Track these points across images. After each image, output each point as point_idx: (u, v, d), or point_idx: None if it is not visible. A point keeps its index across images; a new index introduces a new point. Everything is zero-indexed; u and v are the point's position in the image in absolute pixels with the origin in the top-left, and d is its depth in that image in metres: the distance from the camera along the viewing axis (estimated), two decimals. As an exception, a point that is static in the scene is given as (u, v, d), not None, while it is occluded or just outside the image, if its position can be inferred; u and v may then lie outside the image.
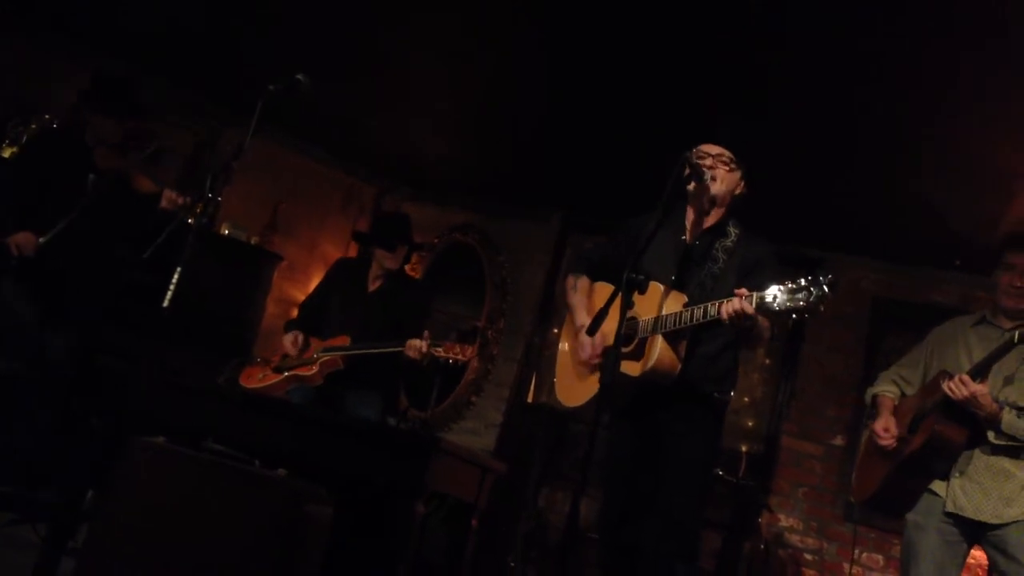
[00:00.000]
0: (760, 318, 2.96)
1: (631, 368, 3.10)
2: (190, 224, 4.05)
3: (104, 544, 2.36)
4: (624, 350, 3.11)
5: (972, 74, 3.77)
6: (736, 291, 2.86)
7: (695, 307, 2.99)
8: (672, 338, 3.06)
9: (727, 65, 4.21)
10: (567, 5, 4.06)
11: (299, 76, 3.68)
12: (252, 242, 6.31)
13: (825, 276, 2.67)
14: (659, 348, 3.04)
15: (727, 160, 3.23)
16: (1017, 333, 3.01)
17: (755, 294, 2.80)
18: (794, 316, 2.74)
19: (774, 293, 2.75)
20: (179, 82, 6.01)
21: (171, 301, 3.55)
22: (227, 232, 6.13)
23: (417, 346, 4.15)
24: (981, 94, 3.89)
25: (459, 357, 4.14)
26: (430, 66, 5.07)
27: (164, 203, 4.21)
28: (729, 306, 2.85)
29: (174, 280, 3.51)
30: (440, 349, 4.13)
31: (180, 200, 4.20)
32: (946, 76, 3.84)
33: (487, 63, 4.84)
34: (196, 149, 6.19)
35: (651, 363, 3.04)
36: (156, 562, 2.22)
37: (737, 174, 3.27)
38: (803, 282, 2.69)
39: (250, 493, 2.19)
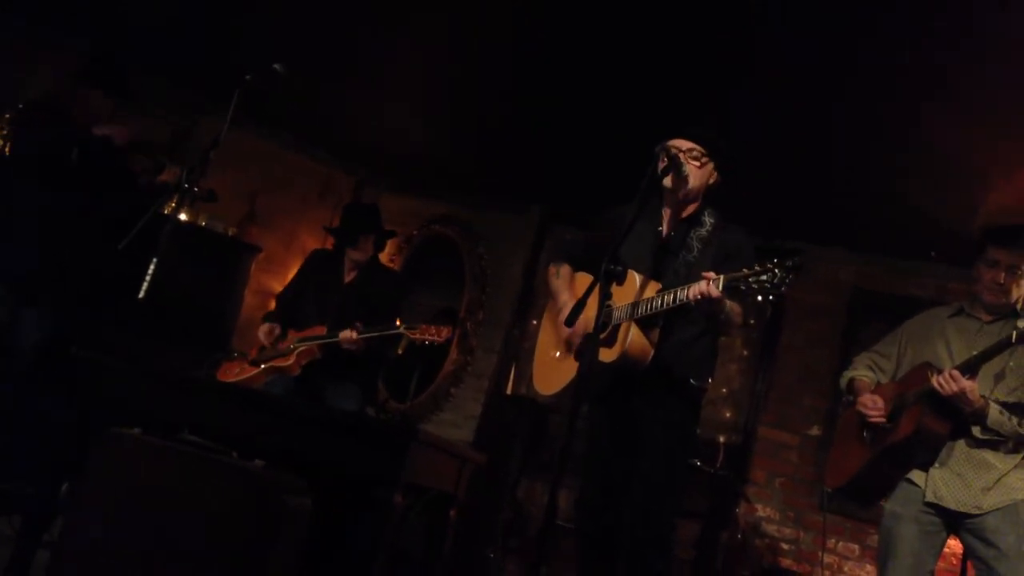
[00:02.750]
0: (730, 303, 2.99)
1: (605, 355, 3.12)
2: (166, 215, 4.04)
3: (79, 536, 2.34)
4: (601, 336, 3.13)
5: (947, 70, 3.80)
6: (703, 274, 2.89)
7: (665, 293, 3.01)
8: (644, 324, 3.09)
9: (706, 58, 4.22)
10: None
11: (276, 66, 3.66)
12: (230, 233, 6.27)
13: (792, 259, 2.70)
14: (631, 334, 3.07)
15: (697, 155, 3.26)
16: (1015, 333, 3.02)
17: (721, 276, 2.83)
18: (759, 298, 2.76)
19: (739, 275, 2.78)
20: (155, 70, 5.95)
21: (147, 293, 3.54)
22: (204, 224, 6.09)
23: (347, 337, 4.17)
24: (957, 89, 3.92)
25: (435, 338, 4.13)
26: (406, 55, 5.05)
27: (165, 176, 4.18)
28: (695, 288, 2.88)
29: (150, 272, 3.50)
30: (416, 332, 4.13)
31: (178, 171, 4.18)
32: (923, 72, 3.87)
33: (464, 52, 4.82)
34: (173, 139, 6.13)
35: (622, 349, 3.06)
36: (132, 554, 2.21)
37: (709, 167, 3.30)
38: (769, 264, 2.72)
39: (227, 484, 2.17)
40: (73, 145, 4.30)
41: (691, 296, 2.89)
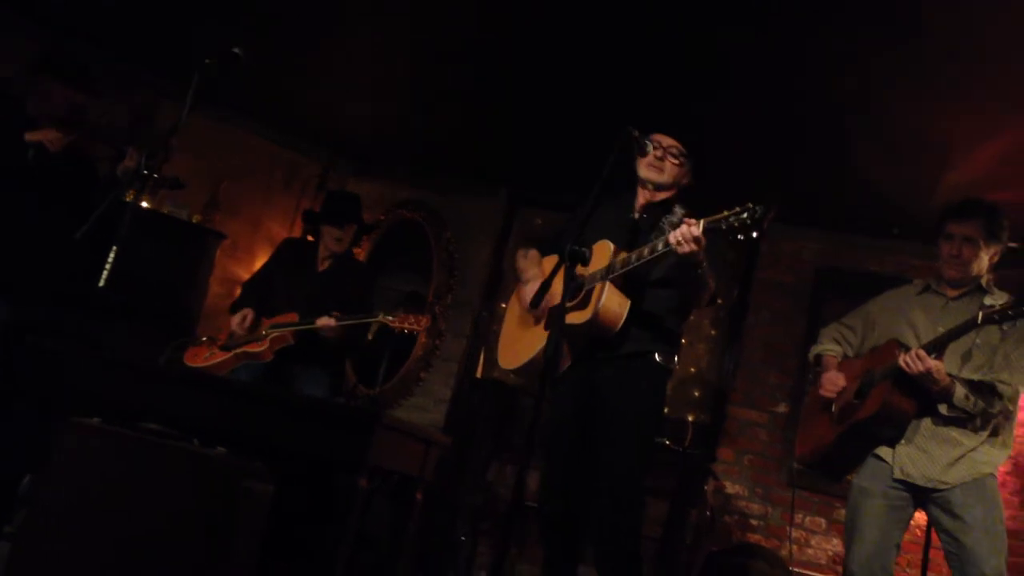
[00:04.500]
0: (705, 264, 3.02)
1: (577, 317, 3.13)
2: (127, 201, 3.98)
3: (40, 527, 2.31)
4: (569, 304, 3.14)
5: (905, 50, 3.83)
6: (685, 219, 2.91)
7: (644, 246, 3.04)
8: (618, 286, 3.11)
9: (671, 40, 4.22)
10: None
11: (235, 49, 3.62)
12: (194, 220, 6.20)
13: (766, 203, 2.75)
14: (605, 294, 3.08)
15: (676, 153, 3.32)
16: (981, 314, 3.05)
17: (702, 220, 2.86)
18: (739, 236, 2.80)
19: (719, 216, 2.82)
20: (113, 51, 5.87)
21: (108, 280, 3.50)
22: (167, 211, 6.02)
23: (326, 324, 4.17)
24: (914, 67, 3.96)
25: (414, 327, 4.16)
26: (368, 37, 5.00)
27: (128, 162, 4.11)
28: (678, 233, 2.89)
29: (110, 259, 3.45)
30: (395, 320, 4.14)
31: (141, 156, 4.11)
32: (880, 52, 3.90)
33: (428, 34, 4.79)
34: (132, 122, 6.05)
35: (596, 308, 3.07)
36: (94, 543, 2.19)
37: (686, 167, 3.35)
38: (748, 204, 2.77)
39: (188, 471, 2.16)
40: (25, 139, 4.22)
41: (673, 240, 2.91)
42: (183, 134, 3.70)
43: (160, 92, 6.09)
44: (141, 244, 4.28)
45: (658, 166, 3.30)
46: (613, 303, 3.10)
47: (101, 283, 3.44)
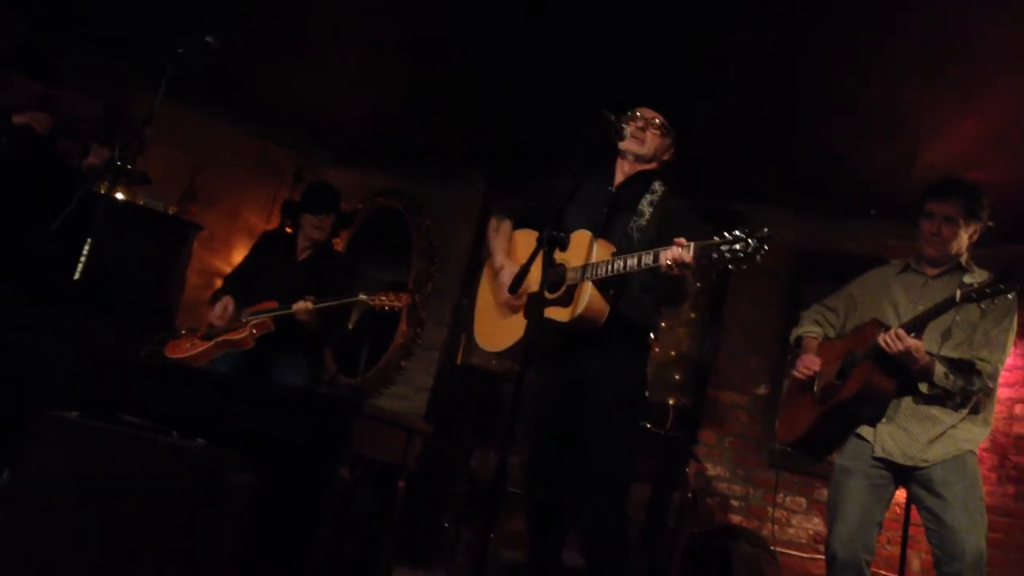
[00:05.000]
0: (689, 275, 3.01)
1: (559, 314, 3.12)
2: (100, 193, 3.94)
3: (19, 522, 2.29)
4: (551, 296, 3.14)
5: (880, 27, 3.83)
6: (676, 240, 2.89)
7: (628, 256, 3.01)
8: (601, 285, 3.09)
9: (648, 22, 4.21)
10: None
11: (209, 39, 3.59)
12: (170, 212, 6.15)
13: (762, 230, 2.74)
14: (588, 294, 3.06)
15: (658, 125, 3.32)
16: (959, 293, 3.07)
17: (694, 243, 2.84)
18: (730, 267, 2.78)
19: (712, 243, 2.79)
20: (85, 43, 5.80)
21: (83, 273, 3.47)
22: (143, 202, 5.97)
23: (302, 307, 4.16)
24: (892, 46, 3.97)
25: (395, 304, 4.16)
26: (342, 24, 4.96)
27: (92, 158, 4.07)
28: (669, 254, 2.88)
29: (85, 251, 3.42)
30: (375, 299, 4.14)
31: (107, 153, 4.07)
32: (854, 30, 3.91)
33: (402, 17, 4.75)
34: (106, 115, 5.98)
35: (580, 309, 3.06)
36: (73, 538, 2.17)
37: (667, 140, 3.35)
38: (739, 233, 2.74)
39: (168, 464, 2.14)
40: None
41: (663, 261, 2.89)
42: (158, 125, 3.67)
43: (134, 84, 6.03)
44: (117, 236, 4.24)
45: (639, 137, 3.29)
46: (597, 303, 3.09)
47: (76, 275, 3.42)
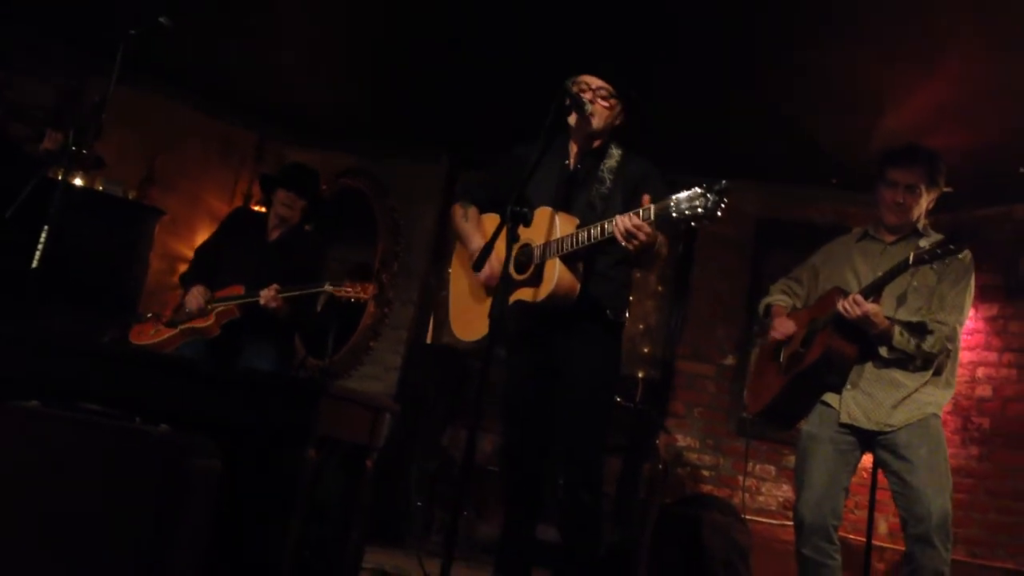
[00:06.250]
0: (659, 237, 2.98)
1: (530, 294, 3.10)
2: (57, 180, 3.87)
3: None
4: (520, 277, 3.12)
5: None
6: (636, 210, 2.86)
7: (592, 226, 2.98)
8: (569, 260, 3.06)
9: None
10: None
11: (161, 19, 3.52)
12: (130, 197, 6.06)
13: (718, 183, 2.69)
14: (558, 271, 3.03)
15: (606, 94, 3.26)
16: (912, 255, 3.08)
17: (653, 205, 2.82)
18: (692, 224, 2.74)
19: (672, 202, 2.75)
20: (35, 29, 5.68)
21: (41, 261, 3.41)
22: (102, 188, 5.87)
23: (268, 295, 4.12)
24: (847, 14, 3.98)
25: (360, 295, 4.12)
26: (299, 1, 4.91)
27: (47, 143, 3.98)
28: (621, 225, 2.86)
29: (42, 239, 3.36)
30: (340, 291, 4.10)
31: (61, 137, 3.99)
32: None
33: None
34: (59, 101, 5.88)
35: (551, 287, 3.03)
36: (34, 530, 2.14)
37: (617, 108, 3.31)
38: (699, 189, 2.70)
39: (130, 452, 2.11)
40: None
41: (621, 237, 2.86)
42: (113, 109, 3.60)
43: (88, 67, 5.92)
44: (76, 223, 4.17)
45: (590, 108, 3.22)
46: (566, 278, 3.05)
47: (34, 264, 3.36)
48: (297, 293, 4.18)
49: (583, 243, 2.99)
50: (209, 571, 2.22)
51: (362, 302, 4.17)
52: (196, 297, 4.31)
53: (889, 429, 3.24)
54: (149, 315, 4.57)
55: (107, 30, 3.65)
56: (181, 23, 3.56)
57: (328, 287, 4.14)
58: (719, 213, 2.69)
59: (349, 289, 4.10)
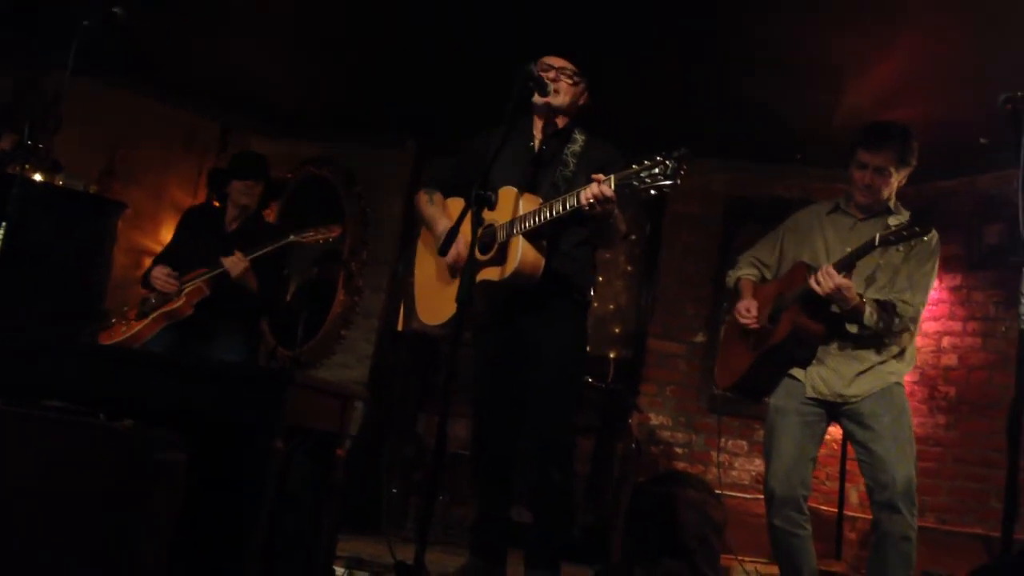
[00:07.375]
0: (616, 211, 3.00)
1: (494, 274, 3.10)
2: (14, 176, 3.82)
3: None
4: (485, 257, 3.12)
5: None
6: (593, 176, 2.88)
7: (553, 202, 2.99)
8: (533, 237, 3.07)
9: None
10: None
11: (115, 9, 3.46)
12: (91, 191, 5.97)
13: (678, 150, 2.71)
14: (521, 248, 3.04)
15: (570, 73, 3.28)
16: (878, 236, 3.10)
17: (612, 175, 2.84)
18: (652, 192, 2.75)
19: (630, 171, 2.78)
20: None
21: (0, 259, 3.35)
22: (61, 183, 5.77)
23: (233, 261, 4.10)
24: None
25: (328, 235, 4.15)
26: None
27: (2, 144, 3.92)
28: (588, 191, 2.87)
29: (0, 235, 3.31)
30: (305, 236, 4.13)
31: (16, 137, 3.93)
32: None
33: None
34: (16, 95, 5.78)
35: (515, 265, 3.04)
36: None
37: (580, 86, 3.32)
38: (659, 157, 2.72)
39: (94, 448, 2.08)
40: None
41: (584, 199, 2.88)
42: (72, 102, 3.55)
43: (43, 61, 5.82)
44: (36, 218, 4.10)
45: (552, 87, 3.23)
46: (530, 255, 3.06)
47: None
48: (263, 251, 4.15)
49: (546, 219, 3.00)
50: (177, 565, 2.20)
51: (331, 241, 4.19)
52: (161, 273, 4.26)
53: (854, 399, 3.28)
54: (114, 320, 4.52)
55: (62, 21, 3.58)
56: (137, 13, 3.50)
57: (292, 237, 4.15)
58: (678, 181, 2.70)
59: (313, 233, 4.10)
